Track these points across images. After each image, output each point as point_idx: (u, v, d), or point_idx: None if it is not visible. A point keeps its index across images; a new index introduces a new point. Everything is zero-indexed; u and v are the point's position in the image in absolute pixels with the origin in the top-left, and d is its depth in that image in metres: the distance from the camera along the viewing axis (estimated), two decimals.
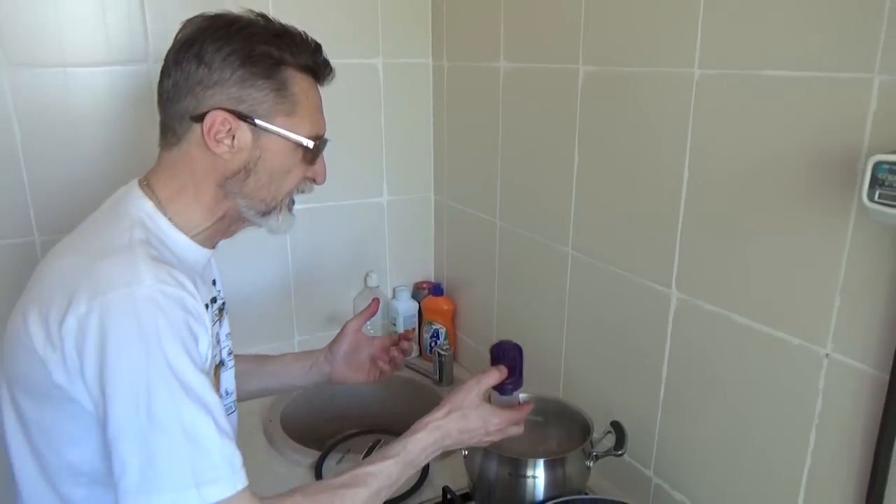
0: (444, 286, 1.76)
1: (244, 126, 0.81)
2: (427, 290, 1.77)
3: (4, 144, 1.33)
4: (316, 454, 1.35)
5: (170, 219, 0.84)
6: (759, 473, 0.98)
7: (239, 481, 0.74)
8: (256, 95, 0.81)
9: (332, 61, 0.90)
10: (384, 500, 0.89)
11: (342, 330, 1.23)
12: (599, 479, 1.20)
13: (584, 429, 1.16)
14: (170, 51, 0.83)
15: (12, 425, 0.80)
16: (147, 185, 0.86)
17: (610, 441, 1.14)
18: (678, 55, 1.00)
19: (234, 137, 0.81)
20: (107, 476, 0.73)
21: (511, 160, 1.44)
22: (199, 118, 0.80)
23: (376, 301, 1.25)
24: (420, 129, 1.72)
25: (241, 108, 0.80)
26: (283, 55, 0.82)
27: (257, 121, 0.82)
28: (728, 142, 0.95)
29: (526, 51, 1.34)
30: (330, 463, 1.32)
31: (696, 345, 1.06)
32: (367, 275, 1.73)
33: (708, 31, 0.96)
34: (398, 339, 1.21)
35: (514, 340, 1.07)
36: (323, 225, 1.65)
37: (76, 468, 0.78)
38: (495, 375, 1.02)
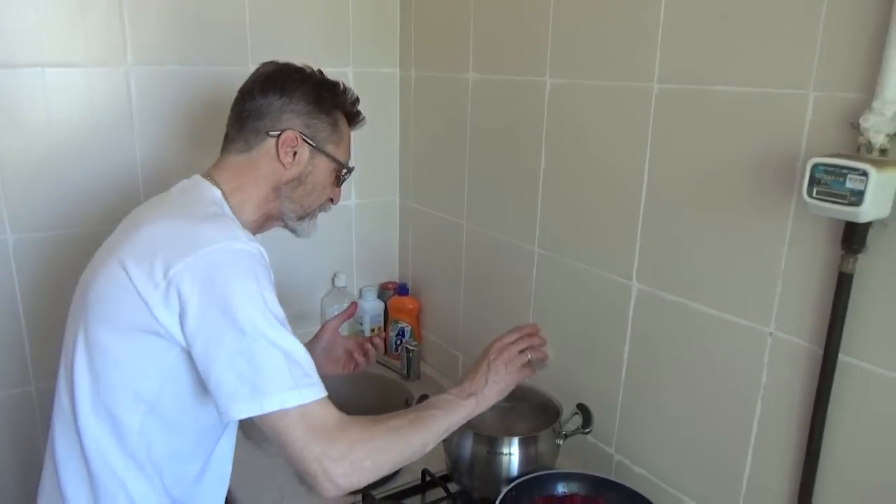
0: (410, 286, 1.84)
1: (306, 147, 1.05)
2: (392, 291, 1.85)
3: None
4: None
5: (231, 207, 1.01)
6: (711, 443, 1.10)
7: (323, 390, 0.88)
8: (319, 125, 1.06)
9: (334, 79, 1.12)
10: (441, 437, 1.00)
11: (322, 328, 1.35)
12: (566, 459, 1.30)
13: (554, 411, 1.26)
14: (254, 82, 1.06)
15: (80, 355, 0.91)
16: (211, 179, 1.03)
17: (577, 422, 1.25)
18: (639, 71, 1.12)
19: (295, 154, 1.04)
20: (164, 405, 0.91)
21: (479, 165, 1.53)
22: (276, 134, 1.02)
23: (354, 305, 1.37)
24: (387, 136, 1.80)
25: (307, 132, 1.05)
26: (337, 101, 1.09)
27: (316, 144, 1.06)
28: (684, 148, 1.08)
29: (495, 63, 1.45)
30: None
31: (655, 331, 1.18)
32: (334, 275, 1.79)
33: (666, 50, 1.08)
34: (371, 337, 1.36)
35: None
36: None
37: (139, 395, 0.91)
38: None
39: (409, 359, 1.70)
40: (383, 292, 1.86)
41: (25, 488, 1.49)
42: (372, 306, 1.82)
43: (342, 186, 1.17)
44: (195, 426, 0.97)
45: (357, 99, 1.13)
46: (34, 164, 1.39)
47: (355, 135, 1.73)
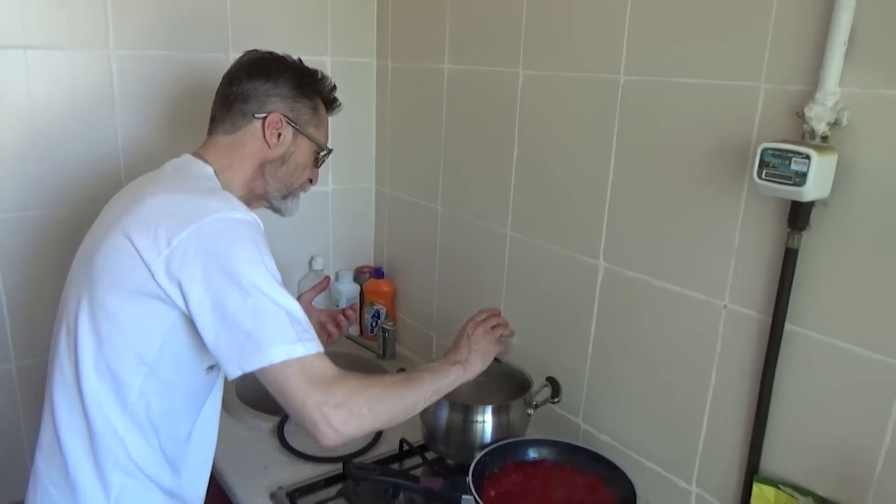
0: (385, 269, 1.90)
1: (290, 129, 1.11)
2: (368, 274, 1.90)
3: None
4: (275, 419, 1.45)
5: (221, 184, 1.06)
6: (671, 410, 1.19)
7: (321, 346, 0.94)
8: (301, 109, 1.13)
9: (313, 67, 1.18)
10: (433, 396, 1.07)
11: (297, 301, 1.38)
12: (537, 429, 1.38)
13: (525, 384, 1.34)
14: (241, 67, 1.12)
15: (84, 320, 0.96)
16: (201, 158, 1.08)
17: (546, 394, 1.33)
18: (606, 63, 1.20)
19: (280, 135, 1.10)
20: (162, 367, 0.96)
21: (454, 152, 1.60)
22: (262, 116, 1.09)
23: (327, 279, 1.44)
24: (364, 124, 1.85)
25: (291, 114, 1.11)
26: (317, 87, 1.16)
27: (299, 126, 1.12)
28: (647, 136, 1.16)
29: (470, 55, 1.51)
30: (290, 426, 1.42)
31: (620, 307, 1.26)
32: (311, 259, 1.83)
33: (632, 44, 1.16)
34: (344, 309, 1.43)
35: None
36: (271, 211, 1.74)
37: (141, 357, 0.96)
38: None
39: (384, 339, 1.76)
40: (359, 276, 1.92)
41: (8, 453, 1.50)
42: (348, 289, 1.87)
43: (320, 168, 1.23)
44: (188, 388, 1.03)
45: (334, 86, 1.20)
46: (17, 144, 1.41)
47: (333, 123, 1.79)
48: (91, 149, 1.49)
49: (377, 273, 1.89)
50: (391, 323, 1.79)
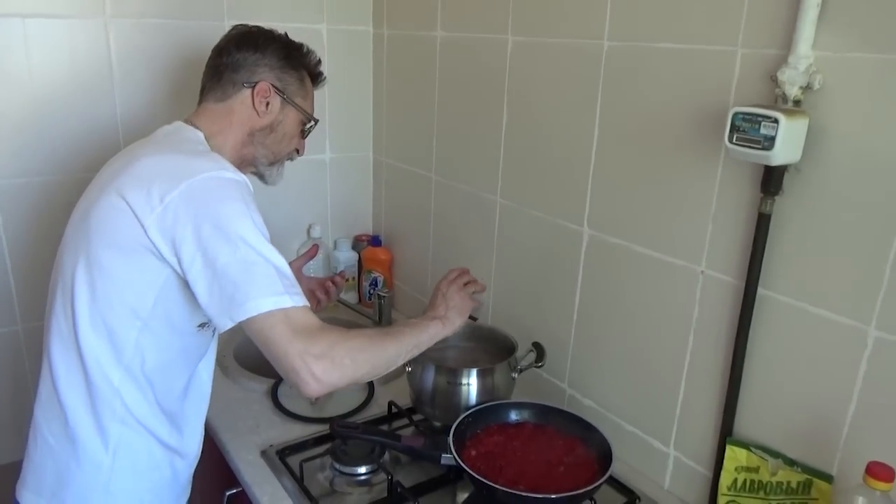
0: (382, 237, 1.92)
1: (277, 98, 1.15)
2: (366, 242, 1.93)
3: None
4: (269, 381, 1.49)
5: (211, 148, 1.10)
6: (650, 374, 1.21)
7: (307, 301, 0.97)
8: (289, 79, 1.16)
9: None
10: (410, 350, 1.09)
11: None
12: (523, 393, 1.41)
13: (510, 348, 1.36)
14: (229, 40, 1.16)
15: (81, 276, 1.00)
16: (192, 124, 1.12)
17: (532, 359, 1.35)
18: (591, 29, 1.20)
19: (268, 104, 1.14)
20: (155, 321, 1.00)
21: (446, 121, 1.61)
22: (251, 85, 1.13)
23: (315, 246, 1.50)
24: (361, 92, 1.86)
25: (279, 84, 1.15)
26: (303, 60, 1.20)
27: (287, 96, 1.16)
28: (630, 102, 1.16)
29: (461, 22, 1.51)
30: (284, 388, 1.46)
31: (603, 273, 1.27)
32: (309, 227, 1.87)
33: (615, 10, 1.16)
34: (333, 276, 1.48)
35: None
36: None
37: (135, 312, 0.99)
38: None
39: (380, 306, 1.78)
40: (357, 244, 1.94)
41: (16, 413, 1.57)
42: (346, 257, 1.90)
43: (307, 139, 1.26)
44: (181, 344, 1.07)
45: (319, 60, 1.24)
46: (17, 112, 1.44)
47: (331, 91, 1.81)
48: (90, 115, 1.52)
49: (374, 241, 1.91)
50: (387, 290, 1.82)
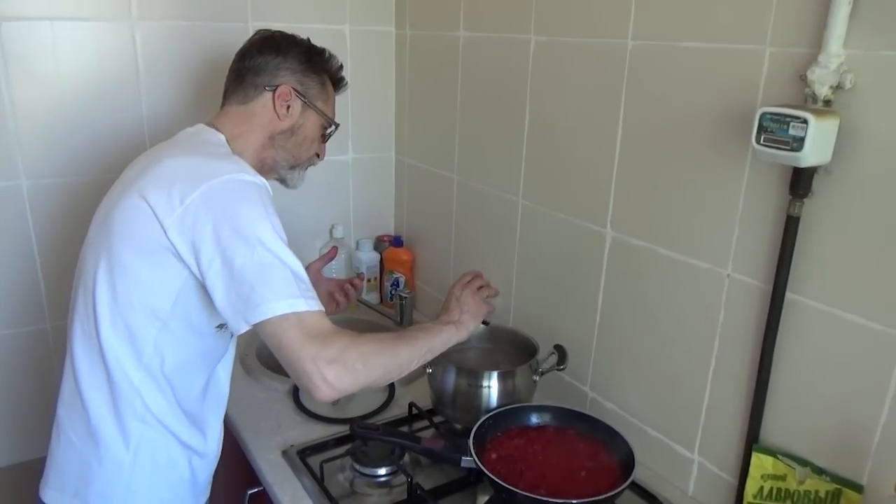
0: (404, 238, 1.92)
1: (298, 101, 1.16)
2: (388, 242, 1.93)
3: None
4: (291, 381, 1.49)
5: (232, 151, 1.10)
6: (674, 378, 1.19)
7: (321, 305, 0.96)
8: (310, 83, 1.17)
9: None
10: (425, 355, 1.09)
11: (306, 269, 1.41)
12: (544, 396, 1.40)
13: (531, 351, 1.35)
14: (252, 44, 1.17)
15: (102, 276, 1.01)
16: (214, 127, 1.13)
17: (553, 361, 1.34)
18: (615, 28, 1.18)
19: (289, 107, 1.15)
20: (175, 322, 1.00)
21: (468, 121, 1.60)
22: (273, 88, 1.13)
23: (334, 248, 1.50)
24: (383, 93, 1.86)
25: (300, 88, 1.16)
26: (325, 65, 1.21)
27: (308, 99, 1.17)
28: (654, 102, 1.14)
29: (484, 22, 1.50)
30: None
31: (627, 276, 1.25)
32: (332, 227, 1.87)
33: (640, 8, 1.14)
34: (352, 279, 1.47)
35: None
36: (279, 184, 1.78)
37: (155, 313, 1.00)
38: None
39: (402, 307, 1.78)
40: (379, 244, 1.94)
41: (43, 411, 1.59)
42: (368, 257, 1.91)
43: (328, 143, 1.27)
44: (200, 345, 1.07)
45: (341, 65, 1.25)
46: (46, 114, 1.47)
47: (353, 92, 1.82)
48: (116, 117, 1.54)
49: (396, 242, 1.91)
50: (409, 291, 1.82)
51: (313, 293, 0.96)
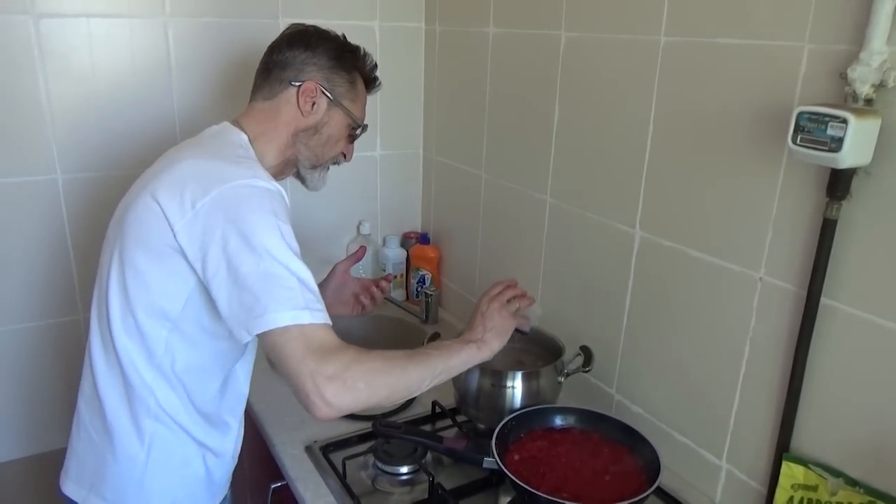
0: (431, 235, 1.92)
1: (324, 98, 1.13)
2: (415, 239, 1.93)
3: (30, 89, 1.44)
4: None
5: (256, 152, 1.09)
6: (703, 383, 1.16)
7: (328, 318, 0.93)
8: (338, 81, 1.14)
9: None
10: (436, 376, 1.02)
11: (332, 270, 1.44)
12: (570, 398, 1.38)
13: (557, 352, 1.33)
14: (282, 38, 1.15)
15: (114, 276, 1.01)
16: (238, 125, 1.11)
17: (579, 362, 1.32)
18: (647, 24, 1.16)
19: (314, 104, 1.12)
20: (186, 324, 1.00)
21: (497, 118, 1.59)
22: (298, 84, 1.11)
23: (363, 248, 1.47)
24: (412, 89, 1.86)
25: (326, 85, 1.13)
26: (357, 63, 1.18)
27: (334, 97, 1.14)
28: (687, 100, 1.12)
29: (514, 18, 1.49)
30: None
31: (655, 277, 1.23)
32: (359, 223, 1.87)
33: (673, 3, 1.11)
34: (378, 281, 1.43)
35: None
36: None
37: (165, 314, 1.00)
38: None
39: (427, 304, 1.78)
40: (406, 241, 1.94)
41: (71, 397, 1.62)
42: (395, 254, 1.90)
43: (355, 144, 1.24)
44: (213, 346, 1.06)
45: (375, 65, 1.21)
46: (81, 109, 1.49)
47: (382, 88, 1.81)
48: (149, 112, 1.56)
49: (423, 239, 1.91)
50: (434, 288, 1.81)
51: (321, 305, 0.93)
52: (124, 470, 1.05)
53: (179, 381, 1.04)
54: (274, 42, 1.17)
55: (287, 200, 1.01)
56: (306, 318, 0.89)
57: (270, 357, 0.93)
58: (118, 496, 1.07)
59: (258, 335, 0.90)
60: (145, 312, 1.00)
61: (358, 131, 1.21)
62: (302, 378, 0.87)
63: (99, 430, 1.07)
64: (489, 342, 1.10)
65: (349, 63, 1.16)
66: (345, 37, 1.19)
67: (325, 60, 1.13)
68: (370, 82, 1.22)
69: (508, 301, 1.16)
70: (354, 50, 1.18)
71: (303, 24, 1.17)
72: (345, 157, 1.23)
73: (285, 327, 0.88)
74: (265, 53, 1.16)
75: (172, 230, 0.94)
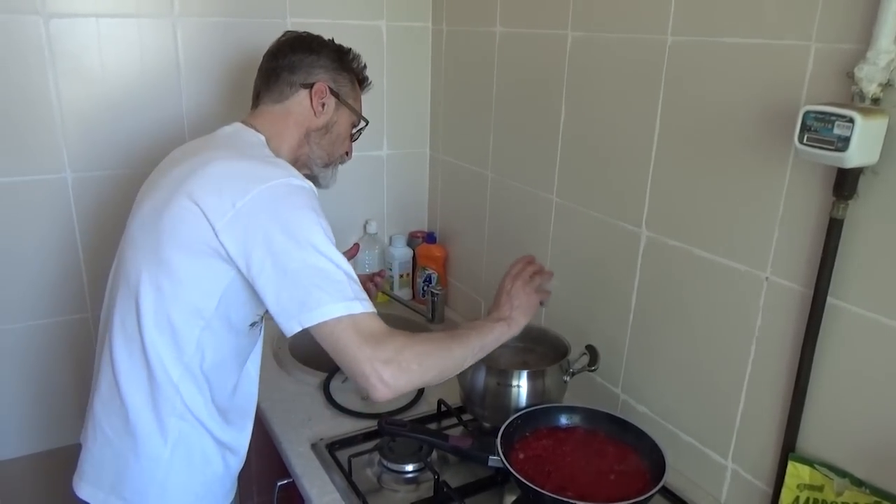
0: (437, 234, 1.92)
1: (332, 98, 1.18)
2: (421, 239, 1.93)
3: (41, 88, 1.45)
4: (322, 375, 1.51)
5: (272, 151, 1.11)
6: (709, 383, 1.16)
7: (374, 307, 0.98)
8: (342, 81, 1.20)
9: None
10: (479, 353, 1.10)
11: None
12: (575, 397, 1.38)
13: (563, 351, 1.33)
14: (283, 44, 1.19)
15: (147, 276, 1.02)
16: (252, 126, 1.14)
17: (585, 362, 1.32)
18: (654, 23, 1.16)
19: (324, 104, 1.17)
20: (217, 321, 1.02)
21: (503, 118, 1.59)
22: (309, 85, 1.15)
23: (356, 245, 1.53)
24: (419, 89, 1.86)
25: (333, 85, 1.18)
26: (351, 65, 1.23)
27: (341, 97, 1.19)
28: (693, 99, 1.12)
29: (520, 17, 1.49)
30: (336, 382, 1.48)
31: (661, 277, 1.23)
32: (366, 222, 1.88)
33: (680, 3, 1.11)
34: (373, 276, 1.48)
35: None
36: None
37: (199, 312, 1.02)
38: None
39: (434, 303, 1.78)
40: (412, 240, 1.95)
41: (80, 394, 1.64)
42: (401, 253, 1.91)
43: (358, 141, 1.29)
44: (236, 343, 1.09)
45: (365, 65, 1.26)
46: (90, 108, 1.51)
47: (389, 88, 1.83)
48: (158, 112, 1.57)
49: (429, 238, 1.91)
50: (441, 287, 1.82)
51: (365, 295, 0.98)
52: (146, 470, 1.06)
53: (205, 379, 1.06)
54: (274, 48, 1.20)
55: (317, 195, 1.03)
56: (357, 307, 0.94)
57: (325, 346, 0.96)
58: (139, 497, 1.07)
59: (311, 327, 0.94)
60: (179, 311, 1.01)
61: (359, 128, 1.26)
62: (361, 364, 0.93)
63: (118, 430, 1.07)
64: (517, 319, 1.15)
65: (347, 64, 1.22)
66: (334, 40, 1.23)
67: (330, 62, 1.18)
68: (362, 82, 1.27)
69: (531, 277, 1.20)
70: (348, 52, 1.23)
71: (295, 32, 1.22)
72: (347, 154, 1.27)
73: (339, 318, 0.93)
74: (265, 59, 1.20)
75: (214, 230, 0.96)
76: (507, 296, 1.18)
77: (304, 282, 0.93)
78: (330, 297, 0.93)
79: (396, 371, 0.94)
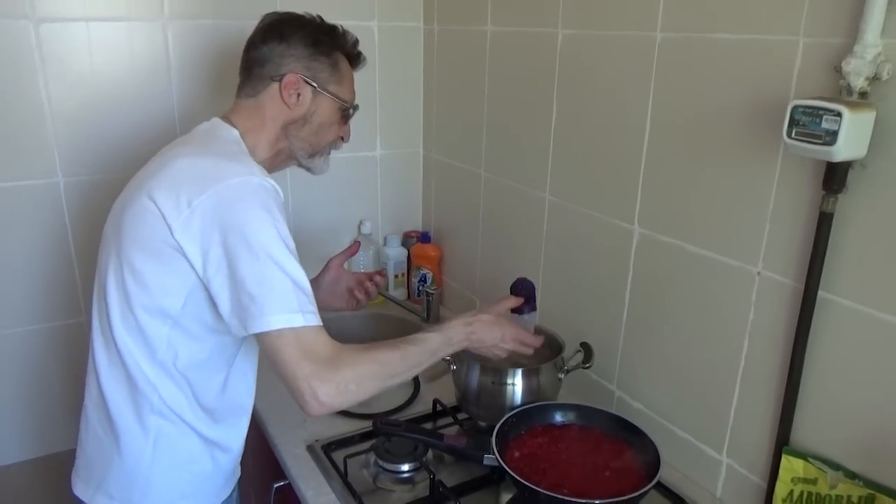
0: (432, 234, 1.92)
1: (308, 88, 1.12)
2: (415, 238, 1.93)
3: (31, 93, 1.44)
4: None
5: (247, 146, 1.09)
6: (703, 378, 1.17)
7: (320, 321, 0.96)
8: (319, 67, 1.12)
9: (332, 22, 1.17)
10: (420, 368, 1.07)
11: (327, 264, 1.45)
12: (571, 394, 1.38)
13: (557, 348, 1.33)
14: (257, 32, 1.14)
15: (112, 276, 1.02)
16: (228, 121, 1.12)
17: (579, 359, 1.32)
18: (643, 21, 1.16)
19: (299, 95, 1.11)
20: (187, 320, 1.00)
21: (496, 116, 1.59)
22: (278, 78, 1.10)
23: (357, 243, 1.48)
24: (411, 89, 1.86)
25: (308, 74, 1.11)
26: (337, 43, 1.15)
27: (318, 85, 1.12)
28: (683, 96, 1.12)
29: (511, 16, 1.49)
30: None
31: (654, 273, 1.23)
32: (360, 223, 1.88)
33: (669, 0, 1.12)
34: (372, 275, 1.45)
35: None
36: (322, 175, 1.79)
37: (165, 312, 1.01)
38: (513, 300, 1.25)
39: (428, 303, 1.78)
40: (407, 240, 1.95)
41: (77, 398, 1.63)
42: (396, 253, 1.91)
43: (353, 125, 1.23)
44: (215, 341, 1.06)
45: (357, 41, 1.19)
46: (81, 112, 1.50)
47: (381, 88, 1.82)
48: (148, 114, 1.57)
49: (424, 238, 1.91)
50: (435, 287, 1.82)
51: (313, 307, 0.95)
52: (130, 467, 1.06)
53: (183, 377, 1.05)
54: (250, 38, 1.15)
55: (281, 195, 1.01)
56: (298, 321, 0.92)
57: (266, 355, 0.95)
58: (124, 493, 1.08)
59: (254, 335, 0.93)
60: (145, 311, 1.00)
61: (350, 111, 1.20)
62: (297, 381, 0.92)
63: (106, 428, 1.07)
64: (457, 344, 1.12)
65: (328, 46, 1.14)
66: (321, 18, 1.16)
67: (302, 49, 1.11)
68: (354, 59, 1.20)
69: (521, 343, 1.19)
70: (332, 30, 1.15)
71: (276, 13, 1.15)
72: (342, 139, 1.22)
73: (280, 330, 0.91)
74: (244, 50, 1.15)
75: (170, 228, 0.95)
76: (498, 325, 1.16)
77: (249, 288, 0.92)
78: (272, 307, 0.91)
79: (333, 390, 0.92)
